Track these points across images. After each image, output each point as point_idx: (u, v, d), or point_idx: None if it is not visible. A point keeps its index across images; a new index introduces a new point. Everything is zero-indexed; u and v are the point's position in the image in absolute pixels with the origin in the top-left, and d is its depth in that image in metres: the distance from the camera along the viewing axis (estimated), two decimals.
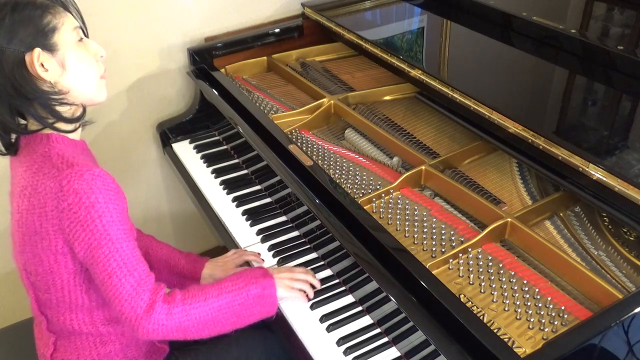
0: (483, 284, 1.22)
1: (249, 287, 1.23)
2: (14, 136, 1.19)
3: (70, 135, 1.19)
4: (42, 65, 1.09)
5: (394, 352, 1.22)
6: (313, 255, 1.47)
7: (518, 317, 1.15)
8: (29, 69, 1.09)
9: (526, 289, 1.20)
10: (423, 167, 1.46)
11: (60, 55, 1.12)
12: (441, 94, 1.51)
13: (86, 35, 1.20)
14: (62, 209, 1.09)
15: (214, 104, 1.82)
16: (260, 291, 1.24)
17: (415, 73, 1.60)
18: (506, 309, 1.17)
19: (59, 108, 1.14)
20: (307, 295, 1.33)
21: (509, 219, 1.29)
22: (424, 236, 1.34)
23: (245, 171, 1.78)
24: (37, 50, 1.08)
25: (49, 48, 1.10)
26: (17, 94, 1.09)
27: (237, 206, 1.65)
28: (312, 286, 1.35)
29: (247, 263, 1.47)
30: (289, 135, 1.63)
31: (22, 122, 1.18)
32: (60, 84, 1.13)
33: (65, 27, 1.12)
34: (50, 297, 1.21)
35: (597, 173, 1.18)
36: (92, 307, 1.22)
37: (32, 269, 1.20)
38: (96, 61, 1.18)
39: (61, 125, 1.16)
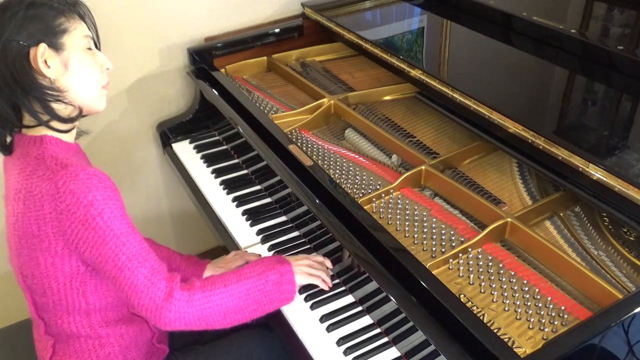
0: (483, 284, 1.22)
1: (267, 273, 1.24)
2: (9, 138, 1.19)
3: (64, 137, 1.18)
4: (45, 62, 1.09)
5: (394, 352, 1.22)
6: None
7: (518, 317, 1.15)
8: (31, 62, 1.09)
9: (526, 289, 1.20)
10: (423, 167, 1.46)
11: (65, 55, 1.12)
12: (441, 94, 1.51)
13: (98, 48, 1.21)
14: (60, 210, 1.08)
15: (214, 104, 1.82)
16: (278, 277, 1.25)
17: (415, 73, 1.60)
18: (506, 309, 1.17)
19: (54, 105, 1.13)
20: (325, 282, 1.33)
21: (509, 219, 1.29)
22: (424, 236, 1.34)
23: (245, 171, 1.78)
24: (43, 46, 1.09)
25: (56, 46, 1.10)
26: (14, 83, 1.09)
27: (237, 206, 1.65)
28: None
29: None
30: (289, 135, 1.63)
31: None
32: (60, 83, 1.13)
33: (76, 32, 1.13)
34: (47, 300, 1.20)
35: (597, 173, 1.18)
36: (89, 310, 1.22)
37: (28, 272, 1.19)
38: (101, 71, 1.19)
39: (55, 124, 1.15)
